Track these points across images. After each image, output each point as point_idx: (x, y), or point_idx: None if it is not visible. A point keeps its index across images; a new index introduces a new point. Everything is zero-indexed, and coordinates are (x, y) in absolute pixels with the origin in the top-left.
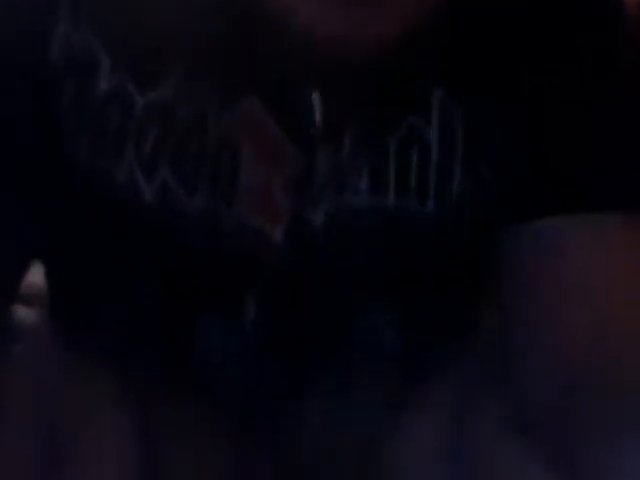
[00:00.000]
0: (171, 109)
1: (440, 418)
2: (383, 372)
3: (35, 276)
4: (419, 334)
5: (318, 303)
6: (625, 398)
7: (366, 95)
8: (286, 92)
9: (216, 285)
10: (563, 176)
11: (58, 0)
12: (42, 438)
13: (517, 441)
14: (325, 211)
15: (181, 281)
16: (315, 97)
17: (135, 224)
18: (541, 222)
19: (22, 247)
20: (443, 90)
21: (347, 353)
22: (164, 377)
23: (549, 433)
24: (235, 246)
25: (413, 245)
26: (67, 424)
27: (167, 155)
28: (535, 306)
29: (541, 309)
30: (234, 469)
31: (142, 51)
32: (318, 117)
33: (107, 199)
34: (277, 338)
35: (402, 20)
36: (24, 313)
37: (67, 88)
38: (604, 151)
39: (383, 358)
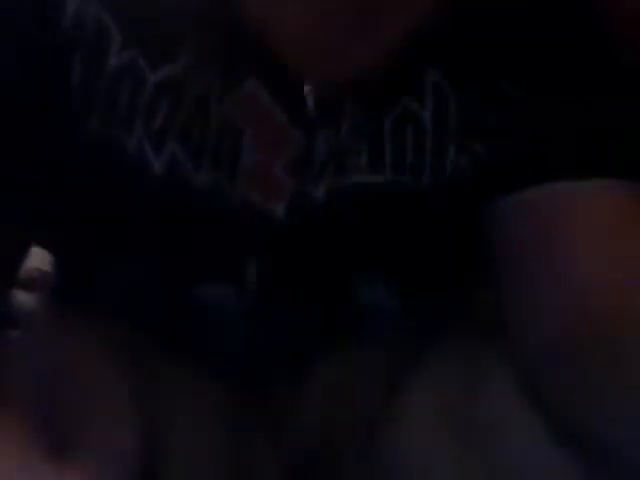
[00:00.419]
0: (180, 86)
1: (443, 386)
2: (384, 339)
3: (35, 260)
4: (418, 302)
5: (318, 271)
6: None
7: (362, 79)
8: (286, 76)
9: (218, 253)
10: (551, 148)
11: None
12: (42, 423)
13: (522, 407)
14: (325, 187)
15: (184, 249)
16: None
17: (143, 194)
18: (530, 191)
19: (24, 227)
20: (437, 72)
21: (347, 320)
22: (165, 343)
23: (552, 378)
24: (238, 217)
25: (410, 218)
26: (67, 405)
27: (175, 131)
28: (528, 272)
29: (534, 274)
30: (232, 434)
31: (153, 29)
32: (311, 103)
33: (116, 168)
34: (277, 305)
35: (402, 26)
36: (24, 298)
37: (78, 61)
38: (588, 124)
39: (384, 326)
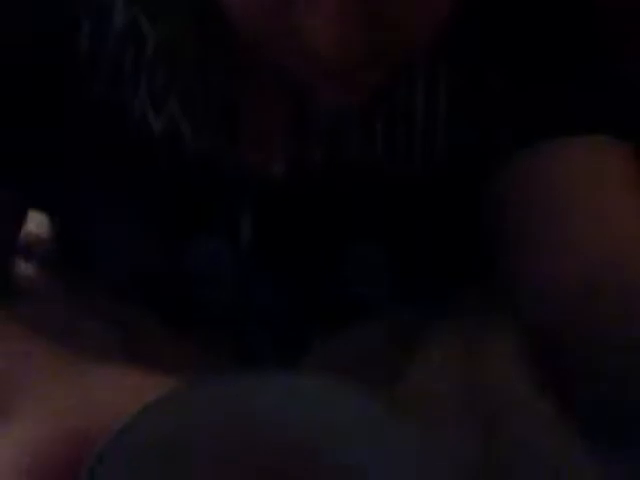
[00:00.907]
0: (180, 47)
1: (443, 369)
2: (377, 302)
3: (32, 225)
4: (413, 276)
5: (313, 234)
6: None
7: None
8: None
9: (213, 210)
10: (542, 129)
11: None
12: None
13: (527, 388)
14: (324, 153)
15: (180, 206)
16: None
17: (143, 155)
18: (525, 151)
19: (23, 191)
20: (429, 59)
21: (339, 279)
22: (160, 300)
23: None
24: (235, 175)
25: (404, 193)
26: None
27: (176, 92)
28: (528, 237)
29: (534, 239)
30: None
31: None
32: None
33: (120, 130)
34: (270, 266)
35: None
36: (23, 266)
37: (87, 22)
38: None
39: (377, 289)
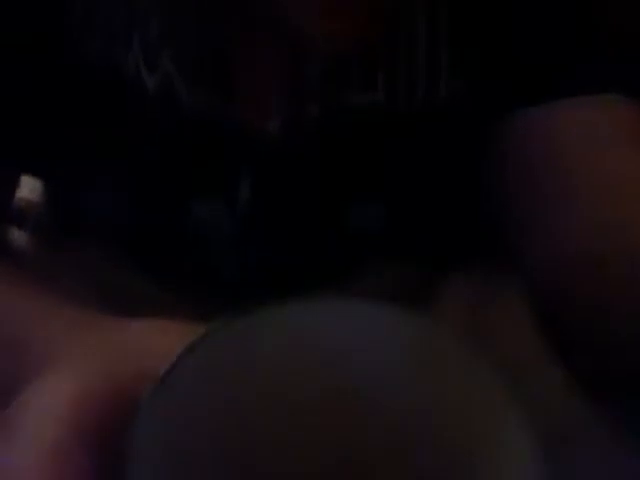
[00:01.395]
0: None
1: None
2: (378, 261)
3: (25, 190)
4: (413, 225)
5: (311, 191)
6: None
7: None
8: None
9: (210, 169)
10: (549, 68)
11: None
12: None
13: (537, 347)
14: (320, 105)
15: (176, 166)
16: None
17: (139, 114)
18: (529, 110)
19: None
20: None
21: (339, 237)
22: (156, 262)
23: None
24: (230, 133)
25: (406, 140)
26: None
27: (169, 46)
28: (533, 191)
29: (540, 193)
30: None
31: None
32: None
33: (114, 89)
34: (270, 219)
35: None
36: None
37: None
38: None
39: (378, 247)
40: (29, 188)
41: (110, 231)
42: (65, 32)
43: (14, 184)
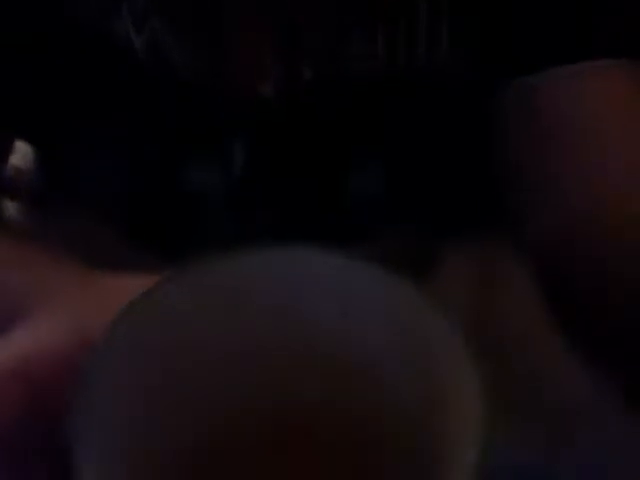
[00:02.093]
0: None
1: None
2: (377, 230)
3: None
4: (413, 193)
5: (307, 156)
6: None
7: None
8: None
9: (205, 133)
10: (551, 33)
11: None
12: None
13: (539, 315)
14: (315, 69)
15: (168, 131)
16: None
17: (130, 78)
18: (535, 76)
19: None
20: None
21: (336, 204)
22: (151, 227)
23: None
24: (223, 98)
25: (403, 106)
26: None
27: (157, 9)
28: (535, 165)
29: (544, 163)
30: None
31: None
32: None
33: (106, 57)
34: (266, 185)
35: None
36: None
37: None
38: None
39: (374, 215)
40: (20, 155)
41: (102, 197)
42: None
43: (8, 150)
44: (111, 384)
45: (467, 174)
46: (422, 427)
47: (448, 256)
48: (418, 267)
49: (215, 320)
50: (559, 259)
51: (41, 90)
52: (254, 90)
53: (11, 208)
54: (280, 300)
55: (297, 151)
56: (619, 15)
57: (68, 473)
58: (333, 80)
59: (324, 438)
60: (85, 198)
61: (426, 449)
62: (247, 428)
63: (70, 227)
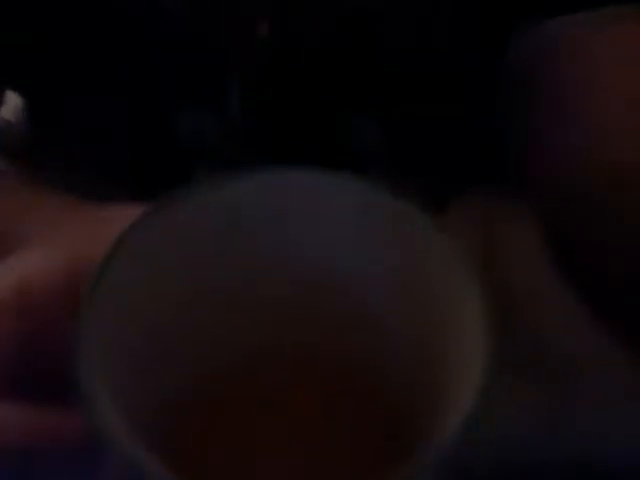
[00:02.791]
0: None
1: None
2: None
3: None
4: (408, 143)
5: (304, 97)
6: None
7: None
8: None
9: (199, 77)
10: None
11: None
12: None
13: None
14: (312, 8)
15: (164, 76)
16: None
17: (125, 24)
18: (549, 23)
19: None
20: None
21: (333, 152)
22: (144, 178)
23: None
24: (219, 39)
25: (404, 45)
26: None
27: None
28: (545, 107)
29: (551, 110)
30: None
31: None
32: None
33: (100, 4)
34: (260, 132)
35: None
36: None
37: None
38: None
39: (372, 167)
40: (10, 107)
41: (95, 145)
42: None
43: None
44: (112, 311)
45: (469, 125)
46: (422, 349)
47: (449, 209)
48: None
49: (212, 245)
50: (558, 208)
51: (31, 38)
52: (252, 30)
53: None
54: (278, 227)
55: (294, 94)
56: None
57: (71, 401)
58: (332, 22)
59: (324, 369)
60: (78, 150)
61: (427, 372)
62: (246, 362)
63: (61, 180)
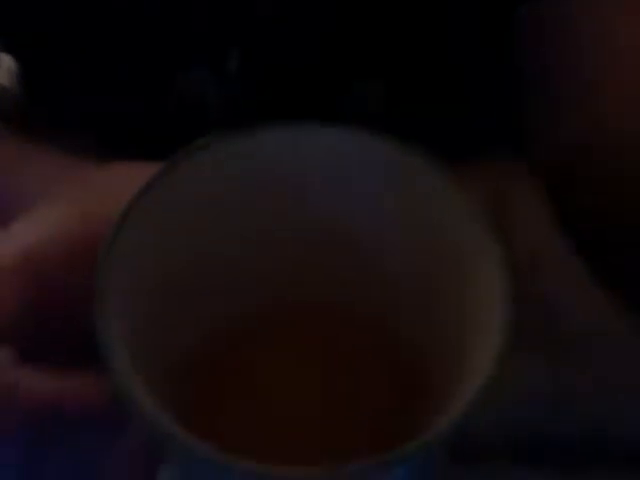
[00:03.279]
0: None
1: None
2: None
3: None
4: (411, 109)
5: (305, 60)
6: None
7: None
8: None
9: (198, 38)
10: None
11: None
12: None
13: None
14: None
15: (164, 36)
16: None
17: None
18: None
19: None
20: None
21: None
22: (143, 139)
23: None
24: (218, 3)
25: (407, 10)
26: None
27: None
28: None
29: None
30: None
31: None
32: None
33: None
34: (260, 94)
35: None
36: None
37: None
38: None
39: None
40: (4, 70)
41: (92, 108)
42: None
43: None
44: (129, 271)
45: (478, 91)
46: (435, 309)
47: (459, 175)
48: None
49: (227, 202)
50: (563, 177)
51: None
52: None
53: None
54: (288, 178)
55: (295, 59)
56: None
57: (89, 364)
58: None
59: (330, 313)
60: (75, 115)
61: (439, 333)
62: (259, 309)
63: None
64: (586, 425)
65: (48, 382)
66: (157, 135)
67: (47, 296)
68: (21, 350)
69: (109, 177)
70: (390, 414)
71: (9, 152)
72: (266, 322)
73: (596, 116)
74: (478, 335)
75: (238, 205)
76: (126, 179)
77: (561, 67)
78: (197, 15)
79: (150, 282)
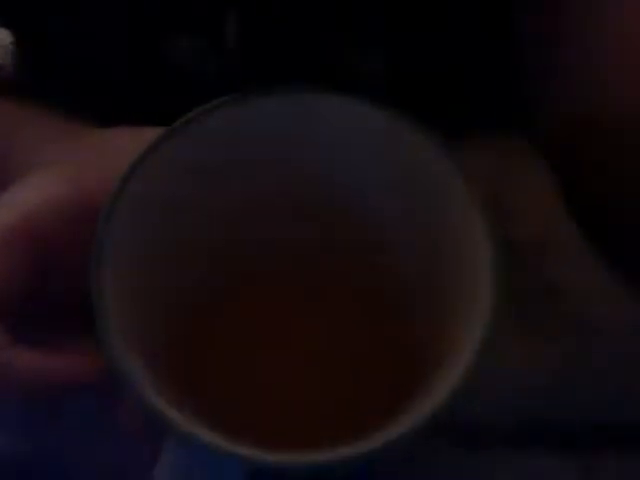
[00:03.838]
0: None
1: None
2: None
3: None
4: (411, 79)
5: (304, 27)
6: None
7: None
8: None
9: (196, 5)
10: None
11: None
12: None
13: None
14: None
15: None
16: None
17: None
18: None
19: None
20: None
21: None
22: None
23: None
24: None
25: None
26: None
27: None
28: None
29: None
30: None
31: None
32: None
33: None
34: (259, 61)
35: None
36: None
37: None
38: None
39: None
40: None
41: (89, 76)
42: None
43: None
44: (127, 234)
45: (480, 65)
46: (431, 281)
47: (461, 149)
48: None
49: (227, 165)
50: (564, 153)
51: None
52: None
53: None
54: (286, 146)
55: (293, 24)
56: None
57: (86, 335)
58: None
59: (325, 284)
60: (71, 87)
61: (435, 286)
62: (252, 277)
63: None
64: (586, 411)
65: (41, 360)
66: (155, 106)
67: (45, 260)
68: (17, 322)
69: (107, 141)
70: (390, 390)
71: (5, 117)
72: (264, 290)
73: (597, 84)
74: (469, 320)
75: (237, 172)
76: (124, 143)
77: (561, 35)
78: None
79: (149, 245)
